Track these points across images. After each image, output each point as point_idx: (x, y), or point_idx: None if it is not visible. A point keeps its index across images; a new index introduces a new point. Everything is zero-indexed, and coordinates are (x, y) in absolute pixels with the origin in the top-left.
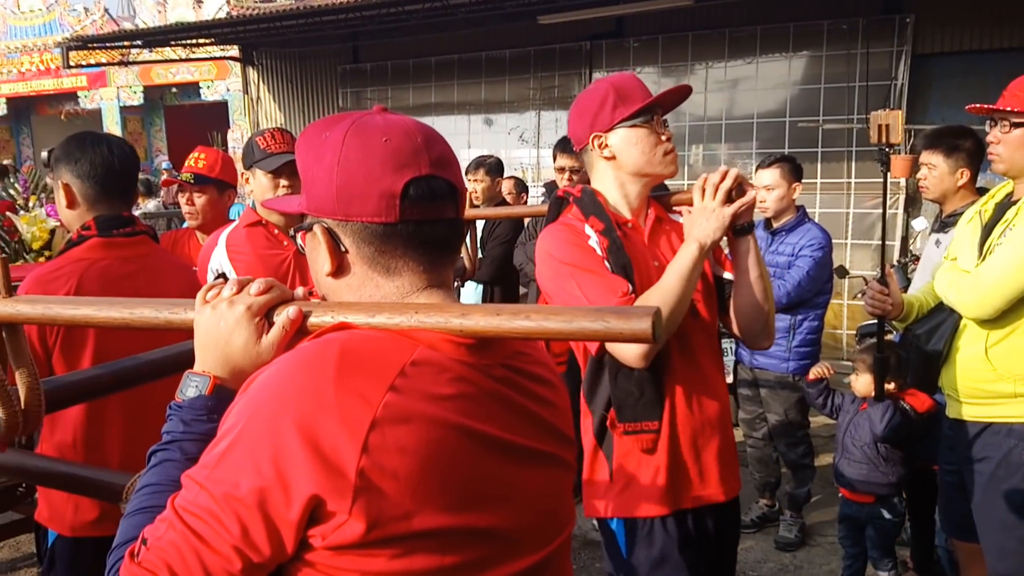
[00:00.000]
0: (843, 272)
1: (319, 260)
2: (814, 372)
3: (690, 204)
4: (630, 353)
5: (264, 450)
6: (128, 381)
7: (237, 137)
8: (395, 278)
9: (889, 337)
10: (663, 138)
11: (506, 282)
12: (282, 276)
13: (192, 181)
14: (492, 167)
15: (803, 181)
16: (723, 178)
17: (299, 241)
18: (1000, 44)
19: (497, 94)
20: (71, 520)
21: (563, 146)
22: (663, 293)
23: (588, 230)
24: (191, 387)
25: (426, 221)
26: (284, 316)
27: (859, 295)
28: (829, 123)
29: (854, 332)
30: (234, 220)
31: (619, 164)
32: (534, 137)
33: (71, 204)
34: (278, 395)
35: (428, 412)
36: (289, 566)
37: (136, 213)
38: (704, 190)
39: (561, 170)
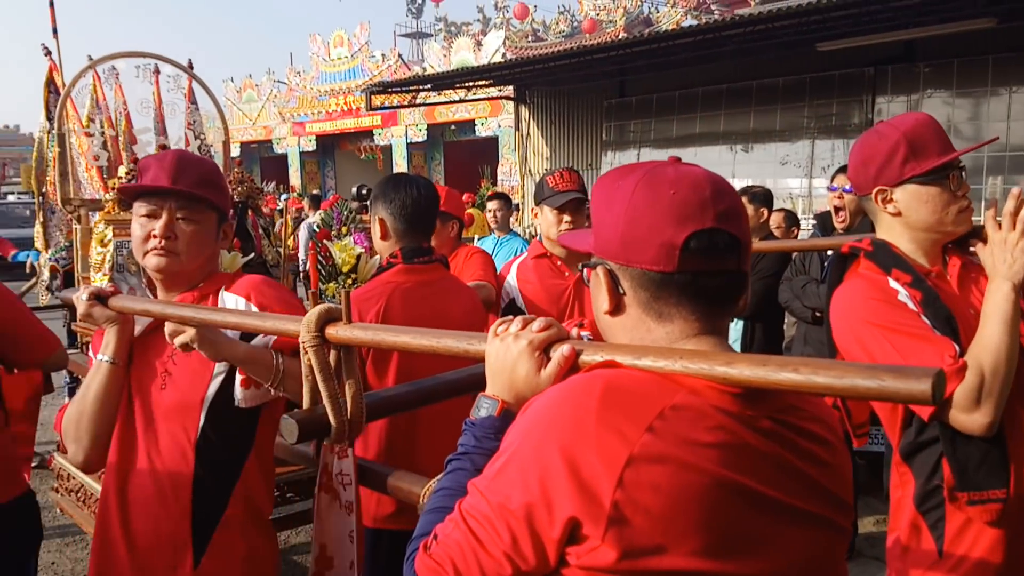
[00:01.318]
0: None
1: (599, 298)
2: None
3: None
4: (972, 423)
5: (533, 470)
6: (430, 398)
7: (506, 171)
8: (666, 324)
9: None
10: (958, 194)
11: (769, 319)
12: (563, 304)
13: None
14: (758, 197)
15: None
16: (1020, 204)
17: (585, 276)
18: None
19: (766, 123)
20: (373, 512)
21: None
22: (990, 347)
23: (894, 284)
24: (483, 408)
25: (704, 272)
26: (559, 353)
27: None
28: None
29: None
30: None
31: (905, 220)
32: (806, 166)
33: (384, 236)
34: (547, 421)
35: (683, 456)
36: None
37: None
38: (999, 221)
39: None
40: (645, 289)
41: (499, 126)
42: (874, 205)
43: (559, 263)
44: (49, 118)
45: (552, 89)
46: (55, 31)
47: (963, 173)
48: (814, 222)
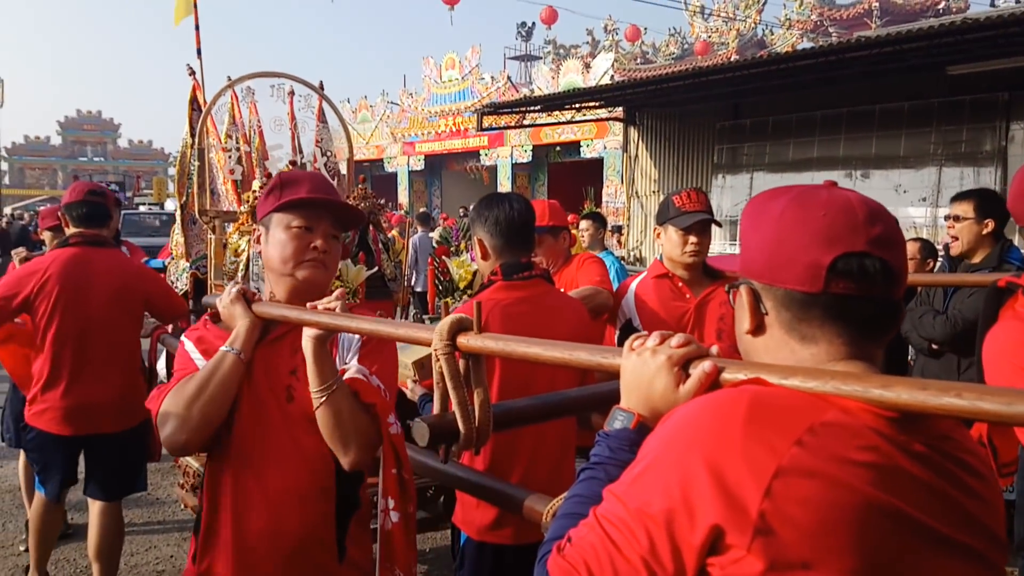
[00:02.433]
0: None
1: (742, 318)
2: None
3: None
4: None
5: (674, 476)
6: (555, 412)
7: (611, 192)
8: (810, 346)
9: None
10: None
11: (894, 351)
12: (682, 326)
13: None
14: None
15: None
16: None
17: (731, 298)
18: None
19: (890, 148)
20: (477, 524)
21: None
22: None
23: None
24: (618, 420)
25: (852, 296)
26: (700, 369)
27: None
28: None
29: None
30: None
31: None
32: (932, 194)
33: (484, 256)
34: (691, 430)
35: (833, 472)
36: None
37: None
38: None
39: (955, 218)
40: (788, 310)
41: (604, 148)
42: None
43: (680, 284)
44: (192, 134)
45: (662, 111)
46: (199, 52)
47: None
48: (942, 252)
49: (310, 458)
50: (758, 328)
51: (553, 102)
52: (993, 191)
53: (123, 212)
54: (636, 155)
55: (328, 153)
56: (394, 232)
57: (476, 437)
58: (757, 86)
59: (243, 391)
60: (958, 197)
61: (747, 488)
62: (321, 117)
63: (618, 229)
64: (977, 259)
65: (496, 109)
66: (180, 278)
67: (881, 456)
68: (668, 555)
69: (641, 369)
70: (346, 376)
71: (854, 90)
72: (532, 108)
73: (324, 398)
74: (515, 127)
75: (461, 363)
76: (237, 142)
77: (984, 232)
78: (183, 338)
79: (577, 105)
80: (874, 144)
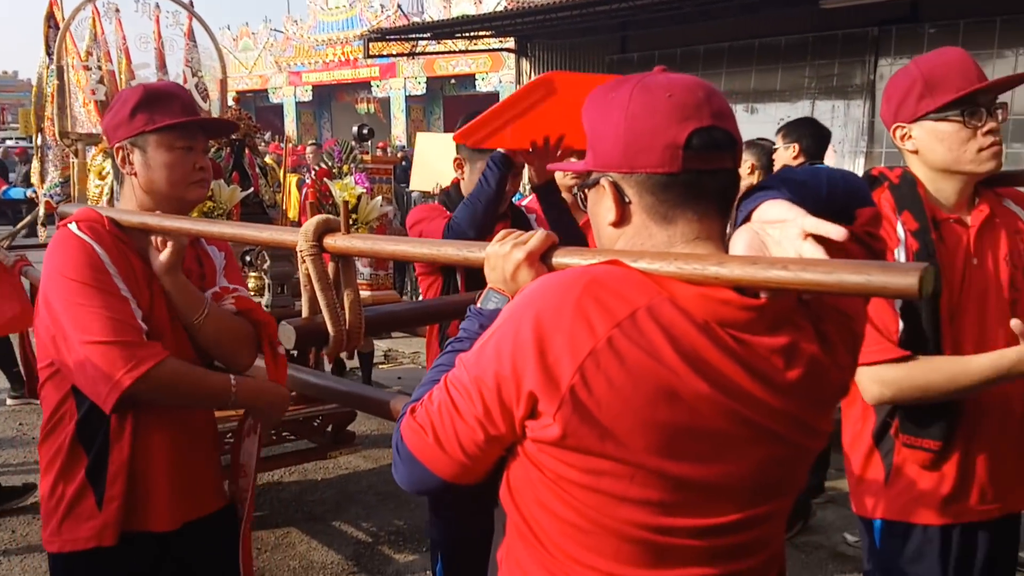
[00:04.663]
0: None
1: (602, 212)
2: None
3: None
4: (866, 396)
5: (508, 347)
6: (435, 317)
7: None
8: (668, 227)
9: None
10: (981, 132)
11: None
12: None
13: None
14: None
15: None
16: None
17: (581, 199)
18: None
19: (768, 83)
20: None
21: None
22: (950, 383)
23: (900, 230)
24: (492, 301)
25: (707, 171)
26: (558, 261)
27: None
28: None
29: None
30: None
31: (922, 158)
32: None
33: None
34: (531, 306)
35: (642, 356)
36: (511, 449)
37: None
38: None
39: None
40: (651, 194)
41: (500, 81)
42: (898, 142)
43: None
44: (48, 52)
45: (553, 42)
46: None
47: (997, 111)
48: None
49: None
50: (622, 219)
51: (443, 29)
52: (806, 118)
53: None
54: None
55: (199, 74)
56: (269, 159)
57: (347, 339)
58: (643, 18)
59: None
60: (778, 131)
61: (563, 364)
62: (191, 36)
63: None
64: None
65: (384, 36)
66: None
67: (699, 343)
68: (500, 417)
69: (504, 263)
70: (237, 294)
71: (735, 25)
72: (422, 36)
73: (200, 323)
74: (407, 55)
75: (331, 266)
76: (99, 60)
77: (792, 156)
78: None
79: (469, 34)
80: (753, 79)
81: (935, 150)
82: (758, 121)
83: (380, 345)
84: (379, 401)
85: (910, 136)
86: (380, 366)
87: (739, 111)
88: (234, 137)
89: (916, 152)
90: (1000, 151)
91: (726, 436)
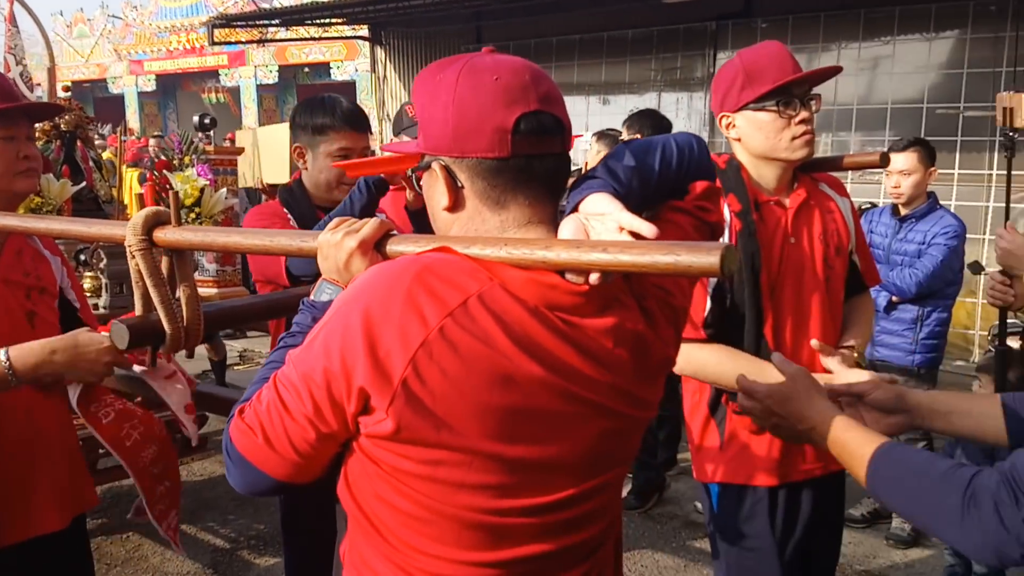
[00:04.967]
0: (978, 268)
1: (436, 196)
2: None
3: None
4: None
5: (336, 342)
6: (275, 311)
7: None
8: (501, 212)
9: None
10: (795, 121)
11: None
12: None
13: None
14: (607, 137)
15: (939, 172)
16: None
17: (417, 182)
18: None
19: (617, 75)
20: None
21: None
22: (713, 368)
23: (726, 211)
24: (325, 292)
25: (536, 156)
26: (392, 249)
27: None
28: (971, 111)
29: (987, 333)
30: None
31: (745, 146)
32: None
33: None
34: (359, 299)
35: (475, 344)
36: (347, 445)
37: None
38: None
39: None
40: (483, 178)
41: (356, 70)
42: (724, 131)
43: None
44: None
45: (408, 31)
46: None
47: (811, 101)
48: None
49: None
50: (455, 204)
51: (293, 16)
52: (648, 110)
53: None
54: (385, 76)
55: (24, 62)
56: (107, 153)
57: (185, 337)
58: (497, 8)
59: None
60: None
61: (395, 357)
62: (12, 20)
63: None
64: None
65: (230, 22)
66: None
67: (530, 327)
68: (331, 414)
69: (337, 252)
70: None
71: (585, 17)
72: (271, 23)
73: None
74: (256, 42)
75: (165, 260)
76: None
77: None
78: None
79: (321, 21)
80: (604, 71)
81: (754, 138)
82: (609, 112)
83: (235, 345)
84: (230, 402)
85: (734, 125)
86: (235, 367)
87: (592, 102)
88: (64, 129)
89: (739, 140)
90: (812, 139)
91: (561, 415)
